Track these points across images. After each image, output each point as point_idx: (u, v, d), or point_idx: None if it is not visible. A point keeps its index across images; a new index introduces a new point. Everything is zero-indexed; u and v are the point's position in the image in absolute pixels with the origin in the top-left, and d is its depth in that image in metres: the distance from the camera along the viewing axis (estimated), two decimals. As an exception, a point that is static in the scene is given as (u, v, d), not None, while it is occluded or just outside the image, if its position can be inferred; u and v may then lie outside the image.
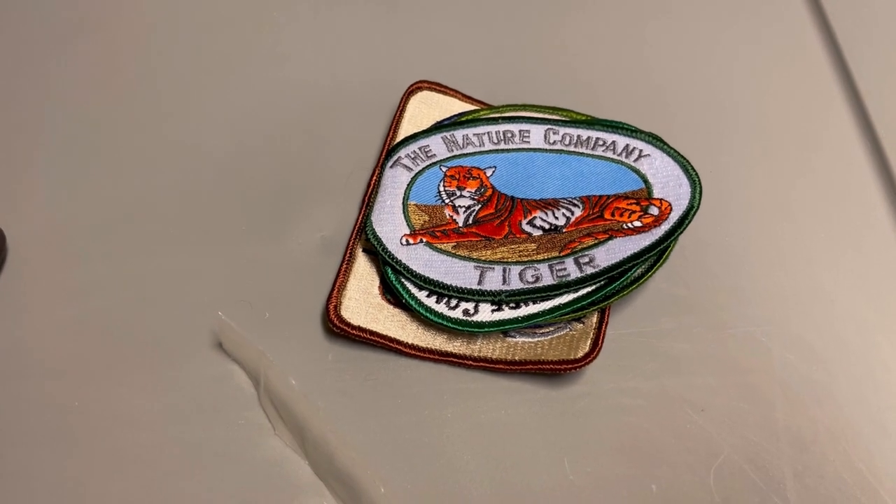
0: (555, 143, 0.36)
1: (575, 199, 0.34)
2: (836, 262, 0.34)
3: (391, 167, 0.35)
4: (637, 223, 0.33)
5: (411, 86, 0.38)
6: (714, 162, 0.36)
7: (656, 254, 0.32)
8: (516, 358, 0.31)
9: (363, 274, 0.33)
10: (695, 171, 0.34)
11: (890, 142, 0.37)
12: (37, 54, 0.40)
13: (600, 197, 0.34)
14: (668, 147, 0.35)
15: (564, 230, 0.33)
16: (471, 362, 0.31)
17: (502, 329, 0.31)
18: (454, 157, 0.36)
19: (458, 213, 0.34)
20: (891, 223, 0.35)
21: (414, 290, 0.32)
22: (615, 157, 0.35)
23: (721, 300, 0.33)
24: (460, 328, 0.31)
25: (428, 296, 0.32)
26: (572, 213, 0.34)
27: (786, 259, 0.34)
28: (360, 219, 0.35)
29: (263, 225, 0.35)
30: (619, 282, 0.31)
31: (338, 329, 0.31)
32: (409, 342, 0.31)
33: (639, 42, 0.42)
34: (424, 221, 0.34)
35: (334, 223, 0.35)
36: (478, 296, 0.32)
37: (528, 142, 0.36)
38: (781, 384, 0.31)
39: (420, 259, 0.33)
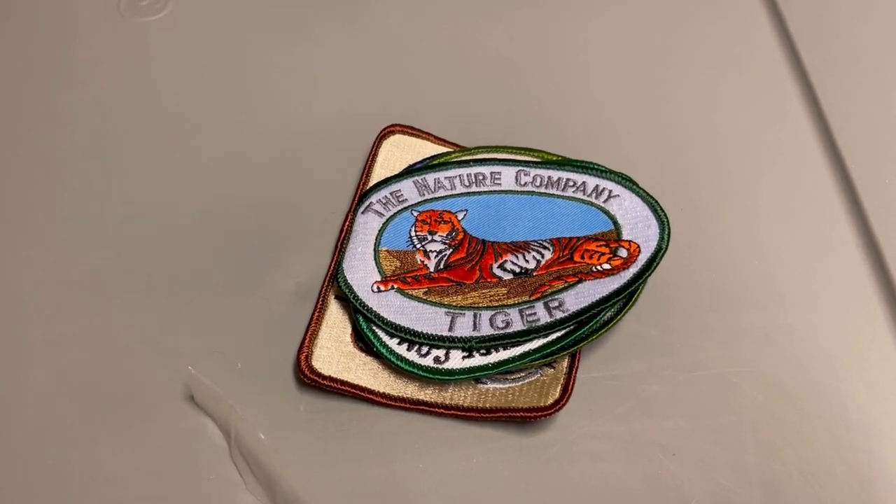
0: (526, 184, 0.36)
1: (545, 241, 0.35)
2: (807, 301, 0.34)
3: (363, 213, 0.36)
4: (606, 265, 0.33)
5: (383, 130, 0.39)
6: (685, 200, 0.36)
7: (625, 296, 0.32)
8: (487, 405, 0.31)
9: (335, 322, 0.33)
10: (663, 211, 0.34)
11: (861, 180, 0.37)
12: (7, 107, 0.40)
13: (570, 239, 0.34)
14: (638, 187, 0.35)
15: (535, 273, 0.34)
16: (442, 410, 0.31)
17: (473, 376, 0.31)
18: (426, 200, 0.36)
19: (429, 258, 0.34)
20: (864, 262, 0.35)
21: (385, 337, 0.32)
22: (585, 197, 0.36)
23: (692, 341, 0.33)
24: (431, 376, 0.31)
25: (399, 343, 0.32)
26: (543, 256, 0.34)
27: (757, 298, 0.34)
28: (332, 265, 0.35)
29: (237, 272, 0.35)
30: (588, 326, 0.32)
31: (309, 380, 0.31)
32: (381, 391, 0.32)
33: (611, 81, 0.42)
34: (396, 267, 0.34)
35: (309, 269, 0.35)
36: (448, 342, 0.32)
37: (500, 184, 0.37)
38: (752, 426, 0.31)
39: (391, 306, 0.33)
